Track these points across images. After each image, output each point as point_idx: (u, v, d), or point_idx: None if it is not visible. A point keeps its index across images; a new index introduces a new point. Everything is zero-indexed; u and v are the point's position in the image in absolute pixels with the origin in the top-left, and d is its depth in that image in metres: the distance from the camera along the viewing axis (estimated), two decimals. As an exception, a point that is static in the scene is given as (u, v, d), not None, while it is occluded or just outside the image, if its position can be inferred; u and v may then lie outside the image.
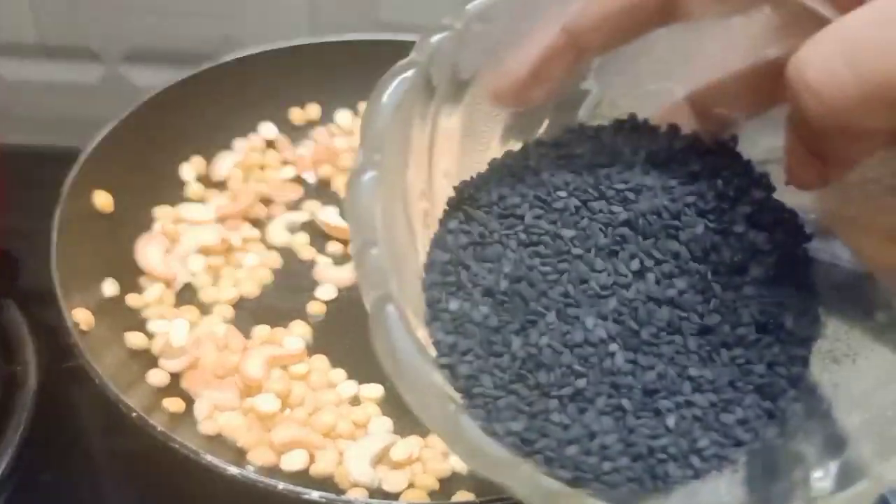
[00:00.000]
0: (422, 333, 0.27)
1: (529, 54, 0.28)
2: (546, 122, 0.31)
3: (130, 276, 0.51)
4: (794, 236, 0.28)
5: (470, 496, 0.42)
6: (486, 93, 0.29)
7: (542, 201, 0.28)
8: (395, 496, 0.43)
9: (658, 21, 0.28)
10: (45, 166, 0.51)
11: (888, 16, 0.21)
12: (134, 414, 0.41)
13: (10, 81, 0.65)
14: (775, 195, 0.28)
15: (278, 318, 0.50)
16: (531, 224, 0.27)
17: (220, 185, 0.56)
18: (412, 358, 0.24)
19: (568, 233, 0.27)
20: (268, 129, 0.59)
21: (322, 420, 0.45)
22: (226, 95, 0.57)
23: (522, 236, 0.27)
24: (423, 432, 0.45)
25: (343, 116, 0.60)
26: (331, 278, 0.53)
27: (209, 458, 0.39)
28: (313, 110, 0.60)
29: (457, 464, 0.44)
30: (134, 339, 0.48)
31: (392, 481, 0.43)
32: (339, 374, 0.48)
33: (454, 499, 0.42)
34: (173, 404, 0.45)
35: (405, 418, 0.46)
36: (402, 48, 0.28)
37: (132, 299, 0.50)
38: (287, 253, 0.54)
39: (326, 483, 0.43)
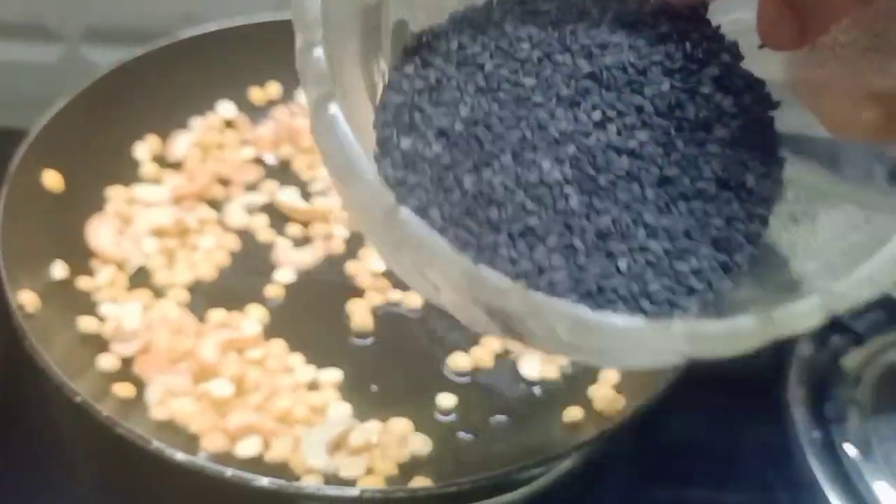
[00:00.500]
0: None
1: None
2: None
3: (81, 258, 0.50)
4: (761, 103, 0.28)
5: (427, 481, 0.41)
6: None
7: (503, 51, 0.27)
8: (352, 482, 0.42)
9: None
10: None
11: None
12: (78, 399, 0.40)
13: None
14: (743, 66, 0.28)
15: (235, 301, 0.49)
16: (491, 72, 0.27)
17: (177, 166, 0.55)
18: (354, 154, 0.23)
19: (529, 81, 0.26)
20: (226, 108, 0.57)
21: (278, 405, 0.44)
22: (182, 73, 0.55)
23: (481, 83, 0.27)
24: (384, 416, 0.44)
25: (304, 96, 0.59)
26: (290, 261, 0.51)
27: (156, 443, 0.39)
28: (274, 89, 0.58)
29: (416, 449, 0.43)
30: (85, 323, 0.47)
31: (349, 467, 0.42)
32: (298, 358, 0.47)
33: (410, 485, 0.41)
34: (124, 389, 0.44)
35: (365, 404, 0.45)
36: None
37: (83, 282, 0.49)
38: (245, 235, 0.53)
39: (281, 469, 0.42)
